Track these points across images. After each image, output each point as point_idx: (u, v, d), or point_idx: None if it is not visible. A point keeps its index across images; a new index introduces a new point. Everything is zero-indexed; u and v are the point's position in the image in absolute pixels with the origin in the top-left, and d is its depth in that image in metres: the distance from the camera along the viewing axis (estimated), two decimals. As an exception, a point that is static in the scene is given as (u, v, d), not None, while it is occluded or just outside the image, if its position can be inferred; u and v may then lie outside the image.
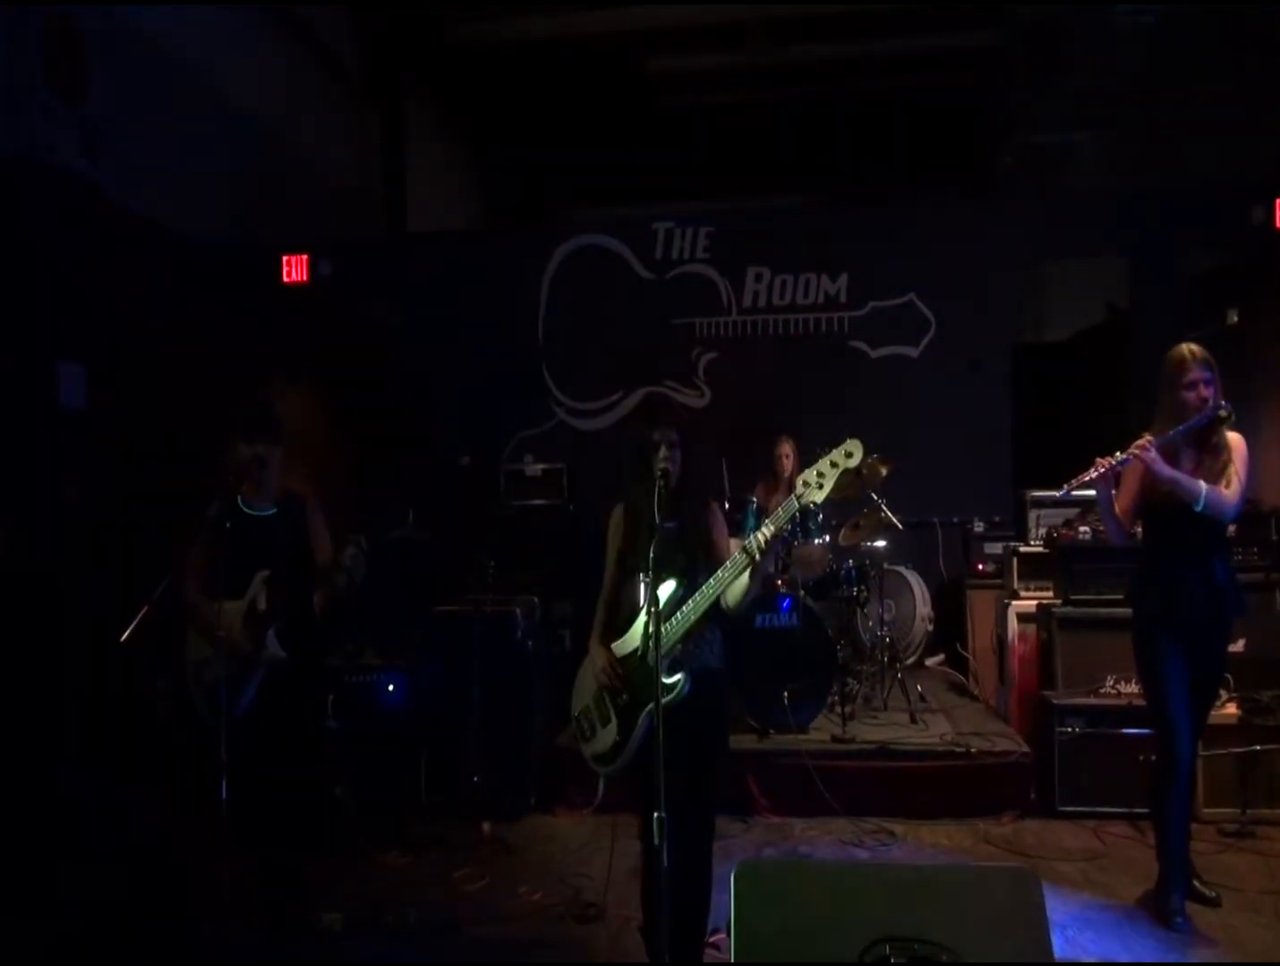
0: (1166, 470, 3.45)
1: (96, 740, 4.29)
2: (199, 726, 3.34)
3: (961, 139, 10.64)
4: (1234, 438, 3.51)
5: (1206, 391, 3.47)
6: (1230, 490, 3.45)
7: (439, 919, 3.72)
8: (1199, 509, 3.44)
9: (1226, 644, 3.70)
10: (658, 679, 2.59)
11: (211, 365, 5.92)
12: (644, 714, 2.88)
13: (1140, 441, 3.47)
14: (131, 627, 2.98)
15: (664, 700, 2.70)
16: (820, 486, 2.68)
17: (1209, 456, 3.52)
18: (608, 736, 2.99)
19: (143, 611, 3.04)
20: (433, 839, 4.47)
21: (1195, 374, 3.47)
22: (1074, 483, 3.53)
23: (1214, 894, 3.66)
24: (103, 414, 5.18)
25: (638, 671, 2.92)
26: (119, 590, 3.66)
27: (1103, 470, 3.47)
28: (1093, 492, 3.65)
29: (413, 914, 3.70)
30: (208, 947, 3.33)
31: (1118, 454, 3.49)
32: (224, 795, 3.07)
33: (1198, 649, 3.56)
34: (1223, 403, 3.47)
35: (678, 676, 2.81)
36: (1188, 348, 3.55)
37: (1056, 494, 3.78)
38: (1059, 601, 5.09)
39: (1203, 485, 3.44)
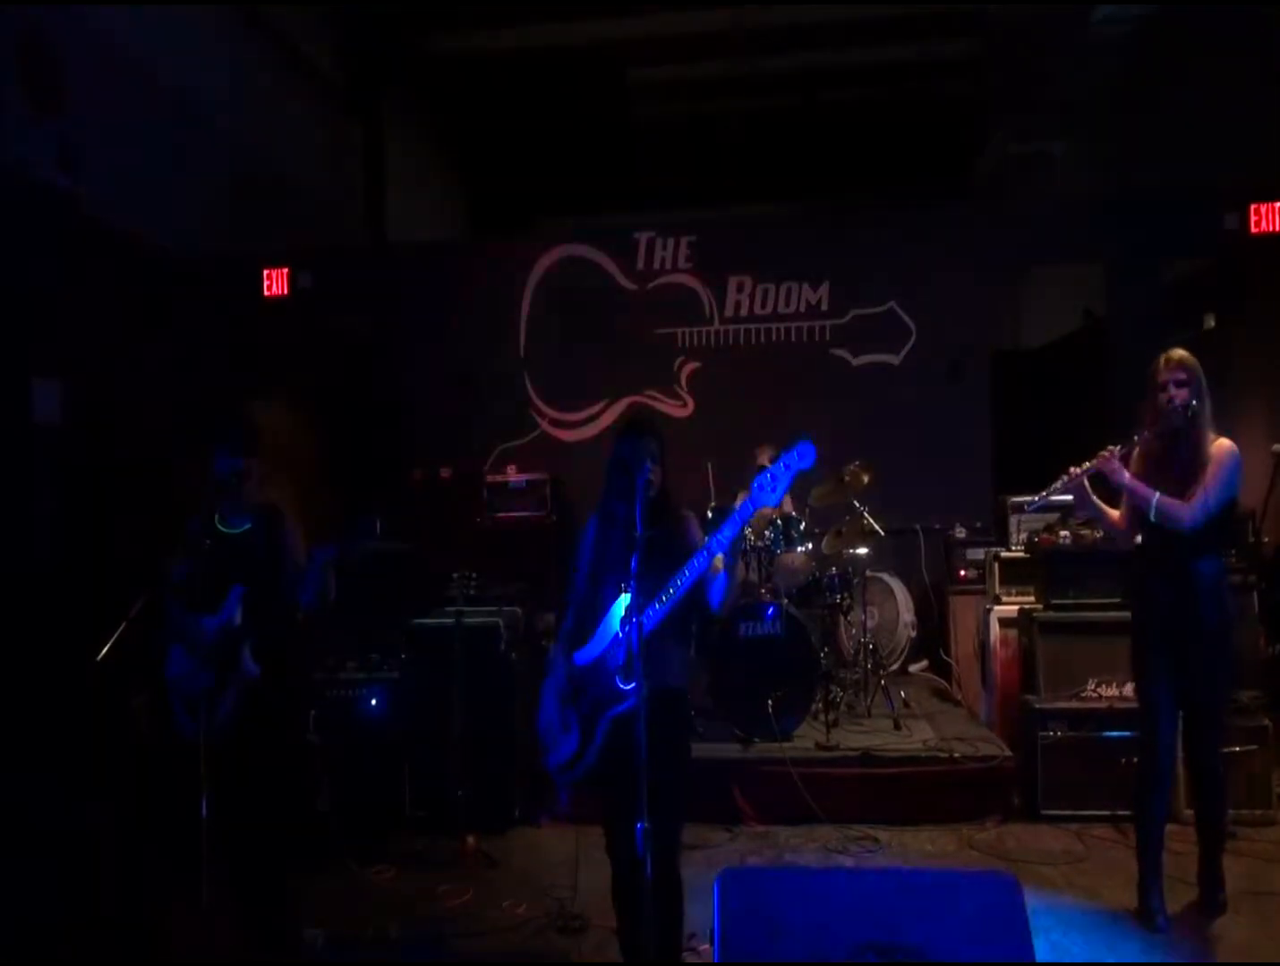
0: (1122, 478, 3.50)
1: (70, 757, 4.24)
2: (180, 742, 3.32)
3: (941, 148, 10.72)
4: (1219, 446, 3.45)
5: (1176, 393, 3.45)
6: (1192, 499, 3.42)
7: (423, 933, 3.70)
8: (1152, 518, 3.48)
9: (1213, 654, 3.50)
10: (641, 688, 2.59)
11: (190, 379, 5.89)
12: (602, 723, 2.90)
13: (1104, 451, 3.52)
14: (108, 646, 2.95)
15: (618, 710, 2.79)
16: (774, 488, 2.71)
17: (1197, 463, 3.45)
18: (568, 745, 3.00)
19: (120, 629, 3.01)
20: (416, 852, 4.45)
21: (1165, 376, 3.49)
22: (1044, 493, 3.60)
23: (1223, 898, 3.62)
24: (78, 429, 5.14)
25: (597, 681, 2.92)
26: (94, 606, 3.63)
27: (1068, 480, 3.53)
28: (1070, 497, 3.69)
29: (396, 928, 3.68)
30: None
31: (1085, 463, 3.54)
32: (204, 812, 3.04)
33: (1177, 655, 3.55)
34: (1179, 404, 3.43)
35: (631, 686, 2.81)
36: (1167, 351, 3.55)
37: (1033, 499, 3.80)
38: (1040, 606, 5.12)
39: (1154, 494, 3.45)
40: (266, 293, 6.93)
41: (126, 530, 5.03)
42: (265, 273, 6.93)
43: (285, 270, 6.98)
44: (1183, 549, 3.49)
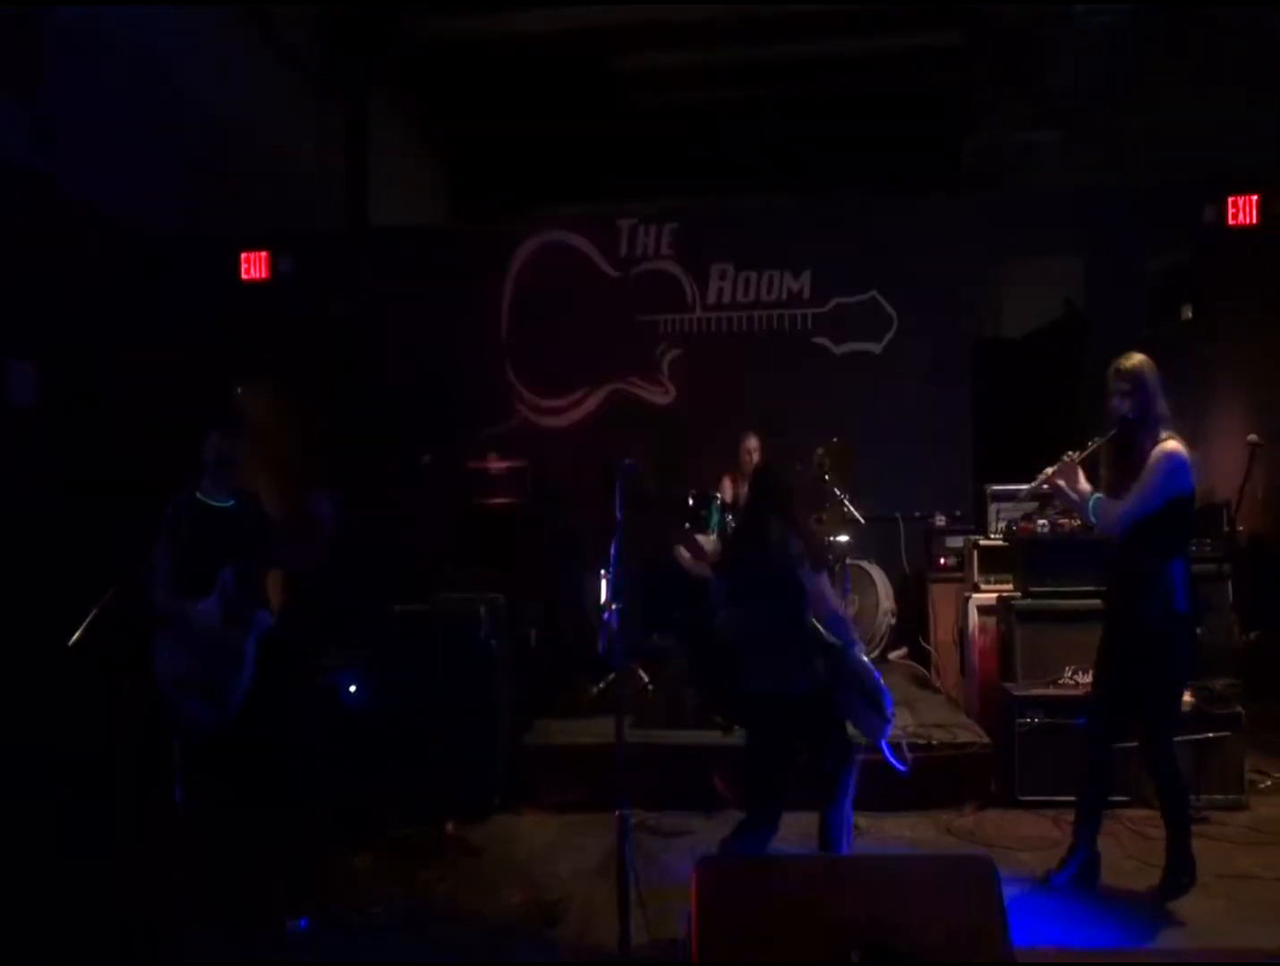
0: (1059, 486, 3.75)
1: (49, 742, 4.20)
2: (184, 730, 3.29)
3: (926, 138, 10.74)
4: (1158, 449, 3.55)
5: (1120, 403, 3.63)
6: (1122, 501, 3.58)
7: (404, 920, 3.69)
8: (1091, 519, 3.70)
9: (1153, 647, 3.61)
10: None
11: (167, 361, 5.82)
12: None
13: (1065, 456, 3.74)
14: (80, 631, 2.92)
15: None
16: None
17: (1142, 466, 3.58)
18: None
19: (92, 613, 2.98)
20: (396, 840, 4.43)
21: (1111, 385, 3.67)
22: (1023, 495, 4.11)
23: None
24: (53, 410, 5.08)
25: None
26: (69, 589, 3.59)
27: (1040, 482, 3.80)
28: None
29: (378, 915, 3.67)
30: (171, 950, 3.29)
31: (1049, 468, 3.79)
32: (179, 798, 3.03)
33: (1121, 645, 3.72)
34: (1121, 414, 3.61)
35: None
36: (1117, 359, 3.70)
37: (1021, 489, 3.98)
38: (1018, 594, 5.16)
39: (1090, 499, 3.67)
40: (244, 276, 6.86)
41: (103, 511, 4.97)
42: (242, 256, 6.86)
43: (264, 254, 6.91)
44: (1128, 543, 3.64)
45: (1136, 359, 3.65)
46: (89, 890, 3.74)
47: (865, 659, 3.56)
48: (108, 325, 5.52)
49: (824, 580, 3.53)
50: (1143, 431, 3.59)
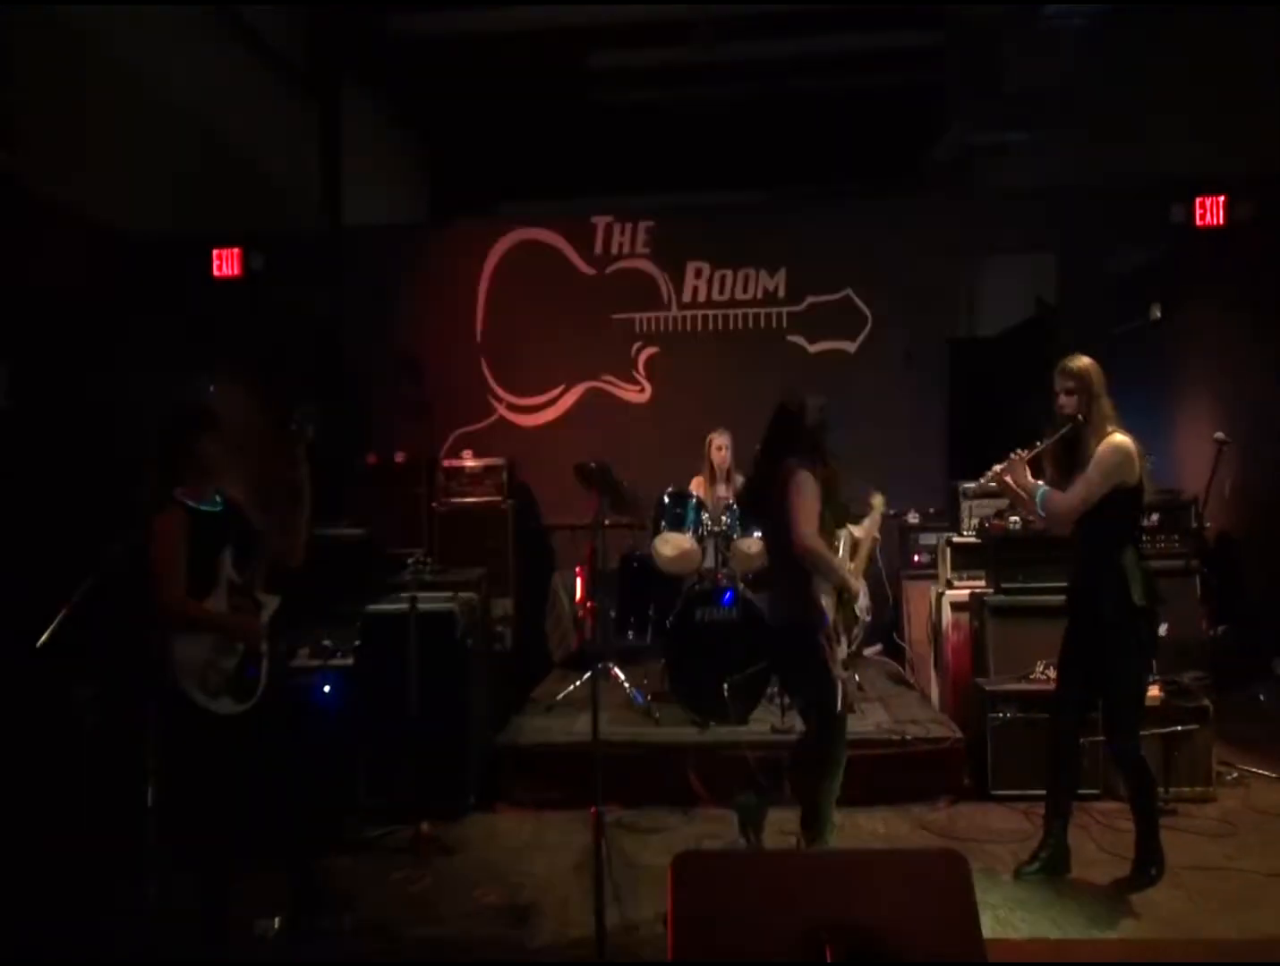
0: (1006, 483, 3.83)
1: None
2: (198, 722, 3.26)
3: (899, 137, 10.80)
4: (1105, 442, 3.64)
5: (1065, 402, 3.72)
6: (1068, 493, 3.68)
7: (377, 921, 3.67)
8: (1040, 513, 3.78)
9: (1111, 640, 3.68)
10: None
11: (141, 360, 5.76)
12: None
13: (1013, 454, 3.82)
14: (48, 633, 2.88)
15: None
16: None
17: (1087, 463, 3.67)
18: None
19: (60, 615, 2.93)
20: (370, 840, 4.41)
21: (1056, 385, 3.77)
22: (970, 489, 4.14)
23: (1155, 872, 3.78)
24: (26, 411, 5.01)
25: None
26: (40, 592, 3.54)
27: (989, 476, 3.89)
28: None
29: (349, 917, 3.65)
30: (141, 954, 3.26)
31: (997, 466, 3.87)
32: (150, 802, 2.99)
33: (1082, 639, 3.81)
34: (1066, 413, 3.70)
35: None
36: (1063, 359, 3.80)
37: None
38: (990, 590, 5.21)
39: (1035, 494, 3.76)
40: (216, 273, 6.79)
41: (77, 513, 4.91)
42: (215, 253, 6.79)
43: (236, 251, 6.84)
44: (1081, 538, 3.76)
45: (1083, 361, 3.75)
46: (52, 896, 3.70)
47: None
48: (81, 323, 5.44)
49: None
50: (1088, 430, 3.68)
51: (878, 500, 4.06)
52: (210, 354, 6.45)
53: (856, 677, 5.83)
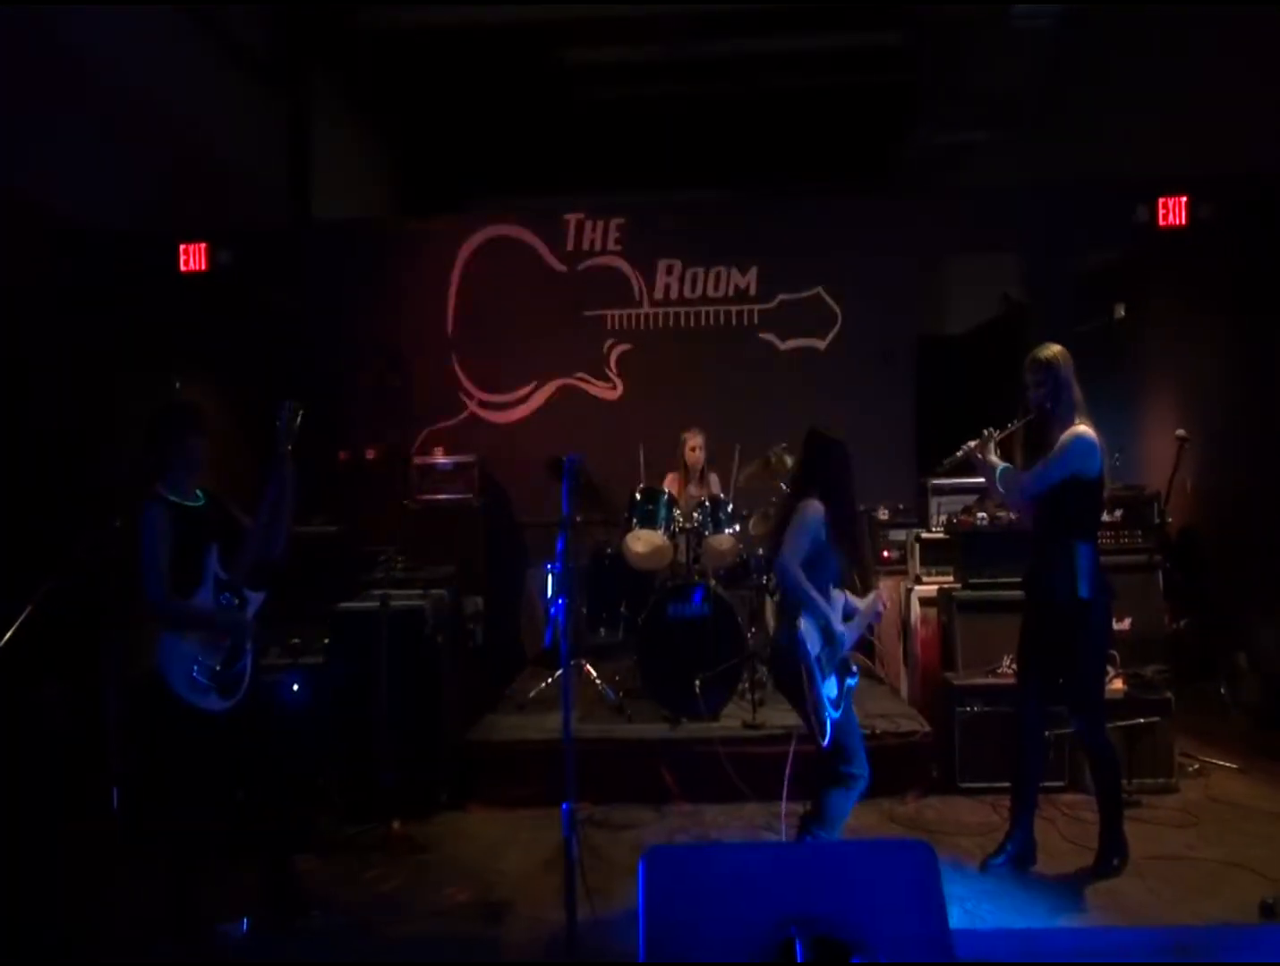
0: (976, 456, 3.91)
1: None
2: (184, 719, 3.23)
3: (868, 136, 10.87)
4: (1068, 431, 3.72)
5: (1034, 392, 3.80)
6: (1026, 473, 3.79)
7: (349, 920, 3.65)
8: (999, 487, 3.89)
9: (1067, 632, 3.75)
10: None
11: (105, 357, 5.68)
12: None
13: (985, 431, 3.91)
14: (11, 631, 2.84)
15: None
16: None
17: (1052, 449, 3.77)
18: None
19: (24, 614, 2.89)
20: (341, 839, 4.38)
21: (1026, 376, 3.85)
22: (945, 463, 4.09)
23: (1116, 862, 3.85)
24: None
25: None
26: (5, 590, 3.49)
27: (962, 453, 3.98)
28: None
29: (319, 916, 3.62)
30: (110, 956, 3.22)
31: (971, 442, 3.96)
32: (115, 804, 2.96)
33: (1039, 631, 3.88)
34: (1035, 402, 3.78)
35: None
36: (1034, 351, 3.86)
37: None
38: (958, 585, 5.27)
39: (999, 466, 3.86)
40: (182, 268, 6.69)
41: (40, 513, 4.83)
42: (181, 248, 6.69)
43: (203, 246, 6.74)
44: (1038, 529, 3.86)
45: (1052, 350, 3.82)
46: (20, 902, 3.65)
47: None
48: (41, 319, 5.35)
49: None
50: (1054, 419, 3.76)
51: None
52: (176, 350, 6.37)
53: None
